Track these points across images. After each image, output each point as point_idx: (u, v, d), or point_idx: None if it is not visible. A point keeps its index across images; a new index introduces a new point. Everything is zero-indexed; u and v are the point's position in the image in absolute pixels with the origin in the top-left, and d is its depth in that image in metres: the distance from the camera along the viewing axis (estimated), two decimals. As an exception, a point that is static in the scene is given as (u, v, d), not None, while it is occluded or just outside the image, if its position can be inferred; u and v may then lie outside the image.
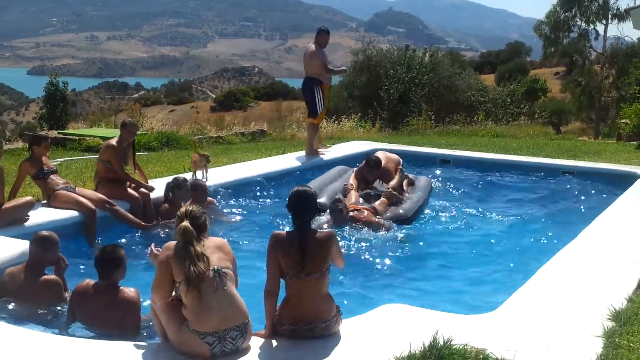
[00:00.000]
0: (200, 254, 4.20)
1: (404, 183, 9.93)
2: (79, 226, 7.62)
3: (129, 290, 5.19)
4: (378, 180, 9.83)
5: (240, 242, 7.79)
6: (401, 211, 8.93)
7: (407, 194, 9.67)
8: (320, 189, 9.34)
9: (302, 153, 12.88)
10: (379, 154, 10.27)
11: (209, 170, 9.77)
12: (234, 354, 4.15)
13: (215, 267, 4.24)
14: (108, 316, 5.05)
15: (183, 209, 4.45)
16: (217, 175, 10.14)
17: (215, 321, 4.12)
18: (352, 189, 9.31)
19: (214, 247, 4.37)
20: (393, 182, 9.54)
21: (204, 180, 9.33)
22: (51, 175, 8.01)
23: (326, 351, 4.24)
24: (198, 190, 8.45)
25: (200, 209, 4.50)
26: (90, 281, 5.29)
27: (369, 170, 9.66)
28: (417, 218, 9.19)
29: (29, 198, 7.45)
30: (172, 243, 4.34)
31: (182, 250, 4.23)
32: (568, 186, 11.61)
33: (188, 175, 9.42)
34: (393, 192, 9.21)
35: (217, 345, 4.10)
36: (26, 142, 14.25)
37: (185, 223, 4.29)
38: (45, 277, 5.58)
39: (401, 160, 10.38)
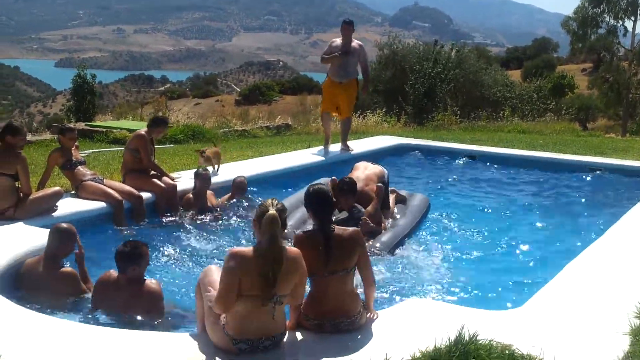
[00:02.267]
0: (282, 253, 4.00)
1: (391, 200, 8.48)
2: (107, 217, 7.68)
3: (150, 282, 5.26)
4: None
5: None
6: (378, 245, 7.24)
7: (390, 220, 8.12)
8: (289, 212, 7.40)
9: (329, 148, 12.86)
10: (359, 169, 8.58)
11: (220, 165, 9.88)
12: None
13: (277, 295, 4.03)
14: (132, 307, 5.11)
15: (268, 200, 4.20)
16: (243, 169, 10.18)
17: (251, 333, 4.04)
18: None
19: (289, 258, 4.08)
20: (369, 208, 7.68)
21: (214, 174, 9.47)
22: (79, 166, 8.10)
23: (351, 345, 4.24)
24: (201, 179, 8.54)
25: (283, 204, 4.23)
26: (113, 272, 5.35)
27: (341, 195, 7.38)
28: (443, 212, 9.14)
29: (57, 188, 7.53)
30: (241, 249, 4.15)
31: (268, 244, 3.99)
32: (595, 183, 11.51)
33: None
34: (368, 223, 7.33)
35: (248, 352, 4.06)
36: (54, 134, 14.45)
37: (273, 211, 4.02)
38: (63, 269, 5.65)
39: (386, 173, 8.68)
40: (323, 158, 12.02)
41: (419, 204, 8.76)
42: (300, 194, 8.40)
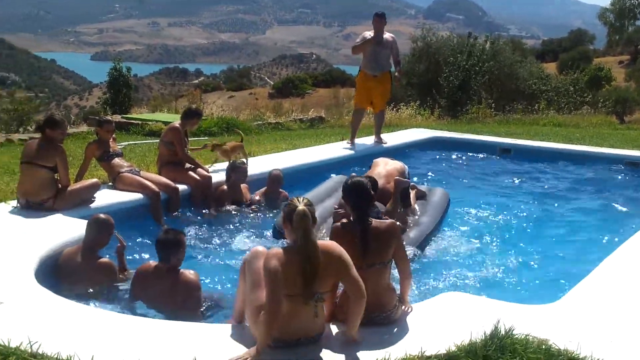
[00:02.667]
0: (315, 254, 3.94)
1: (412, 196, 8.05)
2: (143, 208, 7.76)
3: (189, 273, 5.30)
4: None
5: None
6: (404, 243, 6.49)
7: (412, 215, 7.81)
8: None
9: (361, 140, 12.84)
10: (379, 166, 8.25)
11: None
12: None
13: (318, 294, 4.01)
14: (169, 297, 5.15)
15: (294, 197, 4.17)
16: (277, 161, 10.22)
17: (293, 334, 4.03)
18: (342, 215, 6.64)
19: (324, 253, 4.02)
20: (388, 206, 7.34)
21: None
22: (116, 158, 8.19)
23: (387, 338, 4.24)
24: (238, 172, 8.54)
25: (309, 199, 4.18)
26: (152, 262, 5.43)
27: None
28: (478, 206, 9.08)
29: (94, 180, 7.62)
30: (277, 249, 4.05)
31: (300, 240, 3.96)
32: (633, 177, 11.35)
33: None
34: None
35: (285, 347, 4.05)
36: (90, 126, 14.64)
37: (302, 207, 4.00)
38: (100, 259, 5.71)
39: (406, 169, 8.36)
40: (353, 152, 11.99)
41: (439, 199, 8.45)
42: (317, 189, 8.52)
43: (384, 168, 8.09)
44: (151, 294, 5.23)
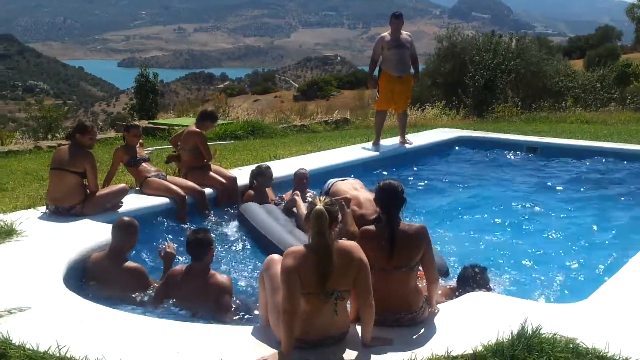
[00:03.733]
0: (331, 252, 3.96)
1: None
2: (170, 212, 7.82)
3: (220, 276, 5.34)
4: None
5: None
6: None
7: None
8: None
9: (387, 141, 12.81)
10: (354, 191, 7.49)
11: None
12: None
13: (337, 292, 4.01)
14: (201, 297, 5.19)
15: (318, 197, 4.23)
16: (303, 163, 10.24)
17: (315, 334, 4.05)
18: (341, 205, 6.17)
19: (342, 254, 4.03)
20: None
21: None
22: (143, 163, 8.26)
23: (413, 338, 4.24)
24: (263, 176, 8.54)
25: (334, 200, 4.23)
26: (182, 266, 5.48)
27: None
28: (504, 205, 9.05)
29: (122, 185, 7.70)
30: (295, 248, 4.11)
31: (315, 239, 3.99)
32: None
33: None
34: None
35: (310, 346, 4.08)
36: (118, 132, 14.78)
37: (320, 206, 4.01)
38: (128, 263, 5.74)
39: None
40: (378, 153, 11.97)
41: None
42: None
43: (361, 194, 7.41)
44: (183, 294, 5.27)
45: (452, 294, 5.54)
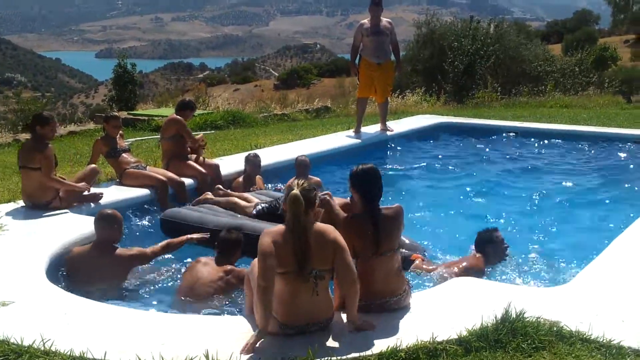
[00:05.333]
0: (306, 232, 4.04)
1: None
2: (151, 203, 7.79)
3: (239, 271, 5.37)
4: None
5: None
6: None
7: None
8: None
9: (368, 129, 12.82)
10: None
11: None
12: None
13: (315, 270, 4.06)
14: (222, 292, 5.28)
15: (296, 180, 4.28)
16: (286, 152, 10.24)
17: (300, 318, 4.09)
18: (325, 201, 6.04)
19: (319, 235, 4.11)
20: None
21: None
22: (123, 154, 8.20)
23: (398, 323, 4.25)
24: (252, 164, 8.59)
25: (312, 185, 4.24)
26: (203, 259, 5.55)
27: None
28: (486, 190, 9.10)
29: (92, 166, 7.66)
30: (273, 229, 4.18)
31: (289, 223, 4.08)
32: (641, 156, 11.31)
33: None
34: None
35: (295, 334, 4.11)
36: (97, 124, 14.67)
37: (296, 191, 4.07)
38: (122, 250, 5.72)
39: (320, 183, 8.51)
40: (360, 140, 11.97)
41: None
42: None
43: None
44: (197, 290, 5.30)
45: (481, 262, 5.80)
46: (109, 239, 5.76)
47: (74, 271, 5.69)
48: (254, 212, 7.10)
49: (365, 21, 12.10)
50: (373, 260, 4.42)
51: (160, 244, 5.93)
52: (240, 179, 8.59)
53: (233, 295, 5.28)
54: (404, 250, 6.38)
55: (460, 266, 5.71)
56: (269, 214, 6.93)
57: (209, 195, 7.75)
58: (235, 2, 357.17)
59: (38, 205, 7.01)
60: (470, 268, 5.67)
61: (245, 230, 6.15)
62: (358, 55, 12.19)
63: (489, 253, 5.90)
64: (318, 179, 8.69)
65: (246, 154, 9.04)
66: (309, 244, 4.02)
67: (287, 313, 4.06)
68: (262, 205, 7.16)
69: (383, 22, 12.03)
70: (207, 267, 5.41)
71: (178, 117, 8.65)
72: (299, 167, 8.59)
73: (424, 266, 5.93)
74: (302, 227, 4.03)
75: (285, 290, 4.05)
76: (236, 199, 7.48)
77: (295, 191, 4.06)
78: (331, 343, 3.99)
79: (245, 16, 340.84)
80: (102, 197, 7.36)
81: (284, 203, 4.16)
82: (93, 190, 7.44)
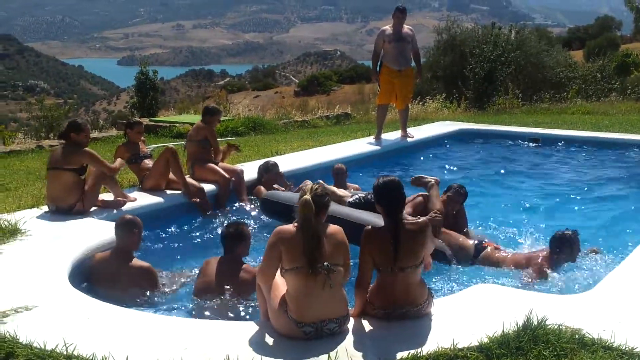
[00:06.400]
0: (316, 234, 4.12)
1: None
2: (174, 209, 7.85)
3: (252, 269, 5.38)
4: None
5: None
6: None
7: None
8: None
9: (388, 135, 12.81)
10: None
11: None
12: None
13: (327, 263, 4.12)
14: (235, 289, 5.28)
15: (309, 185, 4.35)
16: (306, 158, 10.28)
17: (315, 314, 4.11)
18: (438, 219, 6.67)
19: (328, 236, 4.21)
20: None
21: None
22: (145, 160, 8.27)
23: (418, 331, 4.24)
24: (270, 172, 8.64)
25: (325, 190, 4.35)
26: (216, 257, 5.57)
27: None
28: (507, 197, 9.05)
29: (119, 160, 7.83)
30: (284, 227, 4.28)
31: (298, 226, 4.18)
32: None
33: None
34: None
35: (313, 335, 4.12)
36: (119, 130, 14.78)
37: (308, 196, 4.19)
38: (136, 262, 5.74)
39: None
40: (380, 147, 11.98)
41: None
42: None
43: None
44: (212, 286, 5.34)
45: (550, 258, 6.02)
46: (128, 245, 5.79)
47: (96, 276, 5.72)
48: (350, 200, 7.36)
49: (387, 27, 12.12)
50: (393, 275, 4.38)
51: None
52: (261, 187, 8.59)
53: (249, 299, 5.27)
54: (478, 236, 6.98)
55: (533, 261, 6.03)
56: (364, 204, 7.20)
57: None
58: (256, 9, 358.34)
59: (61, 209, 7.07)
60: (541, 265, 5.93)
61: (349, 218, 6.49)
62: (379, 62, 12.21)
63: (564, 253, 6.06)
64: (357, 185, 8.78)
65: (262, 161, 9.06)
66: (321, 244, 4.11)
67: (300, 309, 4.11)
68: (359, 195, 7.45)
69: (405, 29, 12.05)
70: (218, 266, 5.42)
71: (205, 124, 8.74)
72: (337, 174, 8.65)
73: (496, 255, 6.26)
74: (314, 229, 4.13)
75: (298, 286, 4.12)
76: (333, 188, 7.65)
77: (307, 196, 4.18)
78: (351, 350, 3.98)
79: (265, 23, 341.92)
80: (124, 204, 7.43)
81: (298, 204, 4.27)
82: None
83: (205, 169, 8.58)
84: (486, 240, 6.69)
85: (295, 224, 4.22)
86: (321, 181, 7.16)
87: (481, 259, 6.44)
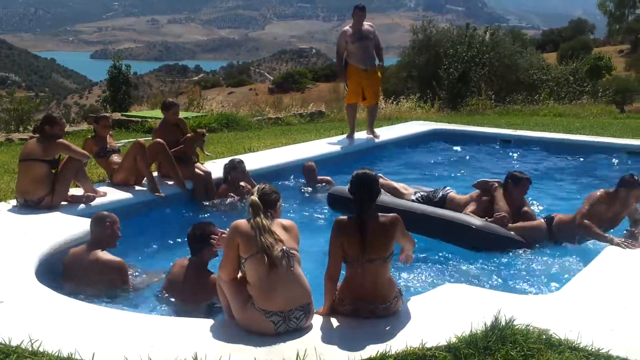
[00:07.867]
0: (267, 227, 4.25)
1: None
2: (142, 205, 7.77)
3: (213, 277, 5.30)
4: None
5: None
6: None
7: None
8: None
9: (362, 134, 12.81)
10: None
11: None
12: (297, 331, 4.20)
13: (284, 247, 4.24)
14: (196, 295, 5.20)
15: (258, 185, 4.54)
16: (279, 156, 10.25)
17: (281, 301, 4.14)
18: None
19: (282, 227, 4.37)
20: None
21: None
22: (113, 155, 8.21)
23: (387, 330, 4.24)
24: (236, 170, 8.59)
25: (272, 188, 4.53)
26: (184, 260, 5.46)
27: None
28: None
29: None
30: (240, 221, 4.38)
31: (251, 222, 4.29)
32: (633, 166, 11.31)
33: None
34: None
35: (282, 325, 4.13)
36: (90, 124, 14.65)
37: (254, 197, 4.37)
38: (108, 256, 5.67)
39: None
40: (353, 146, 11.99)
41: None
42: None
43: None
44: (180, 290, 5.28)
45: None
46: (101, 240, 5.74)
47: (68, 271, 5.67)
48: (414, 197, 7.90)
49: (347, 28, 12.10)
50: (361, 266, 4.42)
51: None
52: (225, 186, 8.51)
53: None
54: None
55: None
56: (427, 200, 7.77)
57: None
58: (232, 5, 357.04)
59: (30, 201, 6.99)
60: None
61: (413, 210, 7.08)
62: (344, 62, 12.19)
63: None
64: (329, 178, 9.17)
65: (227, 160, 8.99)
66: (273, 238, 4.25)
67: (264, 295, 4.17)
68: (422, 193, 8.00)
69: (365, 26, 12.03)
70: (185, 270, 5.34)
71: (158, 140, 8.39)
72: (307, 172, 8.69)
73: (564, 219, 7.02)
74: (263, 226, 4.26)
75: (258, 272, 4.19)
76: (396, 184, 8.13)
77: (254, 197, 4.38)
78: (320, 347, 3.97)
79: (241, 19, 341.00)
80: (94, 199, 7.35)
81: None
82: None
83: (182, 167, 8.47)
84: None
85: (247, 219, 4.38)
86: (381, 175, 7.74)
87: (555, 229, 6.96)
